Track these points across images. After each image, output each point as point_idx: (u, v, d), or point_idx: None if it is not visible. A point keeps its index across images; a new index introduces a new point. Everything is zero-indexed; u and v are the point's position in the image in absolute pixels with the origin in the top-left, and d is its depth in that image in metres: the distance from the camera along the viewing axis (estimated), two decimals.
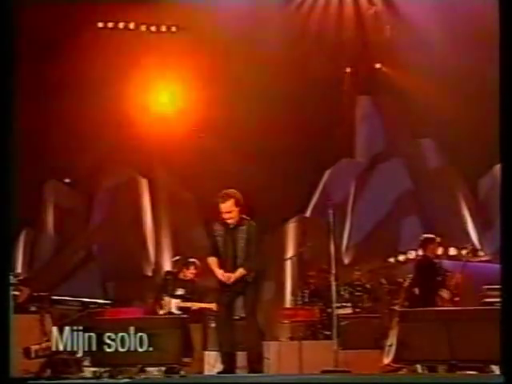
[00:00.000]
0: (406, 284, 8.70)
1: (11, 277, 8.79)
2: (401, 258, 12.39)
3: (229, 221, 7.12)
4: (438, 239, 9.00)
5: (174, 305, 9.15)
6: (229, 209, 7.07)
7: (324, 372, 7.11)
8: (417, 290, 8.92)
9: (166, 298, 9.18)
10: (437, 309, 8.28)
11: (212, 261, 7.25)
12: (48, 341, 8.94)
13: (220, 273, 7.10)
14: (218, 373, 7.39)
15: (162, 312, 9.21)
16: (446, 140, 13.42)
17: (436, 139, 13.92)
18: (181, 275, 9.39)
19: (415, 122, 13.90)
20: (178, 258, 9.31)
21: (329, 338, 9.52)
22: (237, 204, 7.10)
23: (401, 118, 14.30)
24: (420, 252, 11.39)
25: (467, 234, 12.98)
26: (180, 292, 9.28)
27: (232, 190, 7.19)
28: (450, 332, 7.53)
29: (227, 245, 7.17)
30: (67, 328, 8.96)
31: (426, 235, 9.16)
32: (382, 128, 14.28)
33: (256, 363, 7.14)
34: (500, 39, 5.40)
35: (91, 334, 8.69)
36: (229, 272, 7.11)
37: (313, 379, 5.67)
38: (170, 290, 9.20)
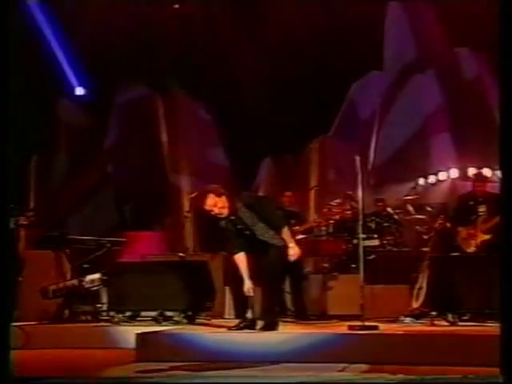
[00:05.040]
0: (438, 224, 8.25)
1: (23, 217, 8.52)
2: (430, 180, 11.85)
3: (220, 215, 6.81)
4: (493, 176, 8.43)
5: None
6: (211, 205, 6.77)
7: (350, 328, 6.78)
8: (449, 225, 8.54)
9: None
10: (471, 255, 7.92)
11: (238, 259, 6.91)
12: (65, 280, 8.80)
13: (246, 287, 6.85)
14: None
15: None
16: (486, 48, 12.41)
17: (475, 48, 12.95)
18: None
19: (451, 29, 12.96)
20: (195, 194, 8.86)
21: (355, 271, 9.20)
22: (219, 195, 6.79)
23: (435, 25, 13.35)
24: (455, 174, 10.83)
25: None
26: None
27: (208, 188, 6.89)
28: (485, 279, 7.17)
29: (243, 234, 6.87)
30: (84, 268, 8.86)
31: (484, 170, 8.58)
32: (414, 37, 13.38)
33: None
34: (500, 40, 5.11)
35: (108, 275, 8.54)
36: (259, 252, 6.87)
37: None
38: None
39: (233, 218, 6.86)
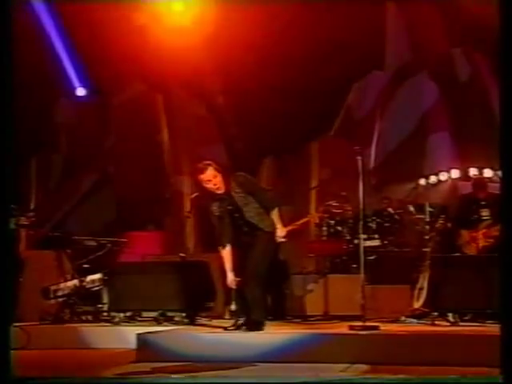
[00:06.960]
0: (439, 224, 8.24)
1: (24, 218, 8.54)
2: (431, 180, 11.83)
3: (216, 189, 6.79)
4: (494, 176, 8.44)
5: None
6: (211, 176, 6.76)
7: (351, 328, 6.77)
8: (450, 225, 8.54)
9: None
10: (472, 255, 7.91)
11: (224, 252, 6.92)
12: (66, 281, 8.81)
13: (229, 280, 6.91)
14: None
15: None
16: (486, 48, 12.39)
17: (475, 48, 12.93)
18: None
19: (451, 29, 12.93)
20: (196, 194, 8.89)
21: (356, 271, 9.20)
22: (217, 170, 6.82)
23: (435, 25, 13.33)
24: (456, 174, 10.83)
25: None
26: None
27: (206, 161, 6.92)
28: (486, 279, 7.16)
29: (233, 217, 6.85)
30: (85, 268, 8.87)
31: (485, 171, 8.60)
32: (414, 37, 13.36)
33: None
34: (500, 40, 5.09)
35: (108, 275, 8.55)
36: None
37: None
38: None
39: (225, 198, 6.86)
